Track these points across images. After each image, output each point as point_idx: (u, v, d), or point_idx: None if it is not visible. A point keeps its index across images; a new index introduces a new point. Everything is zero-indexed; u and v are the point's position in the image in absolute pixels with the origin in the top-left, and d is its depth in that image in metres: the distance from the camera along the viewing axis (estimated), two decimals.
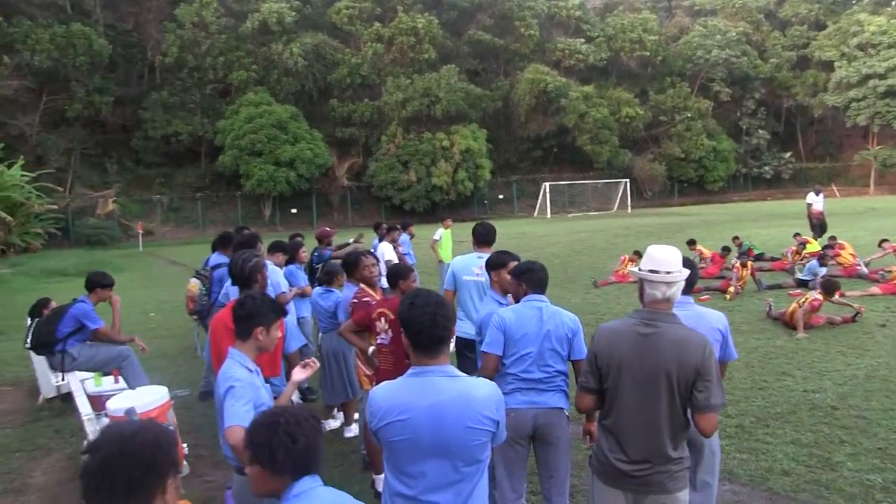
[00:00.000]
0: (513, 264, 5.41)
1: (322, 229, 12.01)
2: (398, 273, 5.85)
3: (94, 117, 42.52)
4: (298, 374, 4.00)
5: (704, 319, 4.32)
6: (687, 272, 3.49)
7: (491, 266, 5.41)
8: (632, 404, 3.31)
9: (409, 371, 3.00)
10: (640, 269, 3.45)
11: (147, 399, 5.50)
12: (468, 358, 6.66)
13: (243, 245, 6.94)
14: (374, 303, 5.84)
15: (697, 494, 4.37)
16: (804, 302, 10.83)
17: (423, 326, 2.91)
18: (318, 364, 4.09)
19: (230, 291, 6.29)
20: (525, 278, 4.60)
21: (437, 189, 45.19)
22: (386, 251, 11.82)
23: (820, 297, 10.82)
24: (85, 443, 5.99)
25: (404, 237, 13.78)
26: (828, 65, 57.62)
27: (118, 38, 43.51)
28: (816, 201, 22.38)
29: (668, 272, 3.38)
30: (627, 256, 16.48)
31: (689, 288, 4.30)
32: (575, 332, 4.50)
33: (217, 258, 8.69)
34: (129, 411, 5.03)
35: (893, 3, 61.73)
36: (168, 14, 45.20)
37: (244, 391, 3.57)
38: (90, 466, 2.01)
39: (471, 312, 6.58)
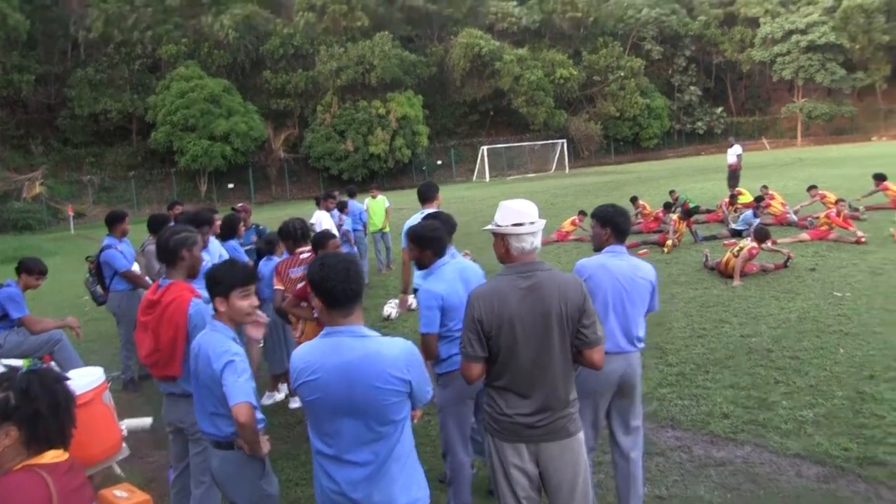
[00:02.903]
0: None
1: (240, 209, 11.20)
2: (317, 241, 6.01)
3: (14, 97, 41.05)
4: (253, 332, 4.00)
5: (641, 270, 4.40)
6: (543, 222, 3.50)
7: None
8: (528, 357, 3.30)
9: (322, 332, 3.00)
10: (499, 226, 3.42)
11: (81, 381, 5.30)
12: None
13: (195, 221, 6.79)
14: None
15: (629, 438, 4.47)
16: (739, 251, 11.12)
17: (338, 282, 2.89)
18: (266, 317, 4.05)
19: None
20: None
21: (375, 157, 44.79)
22: (322, 220, 11.74)
23: (755, 245, 11.12)
24: None
25: (358, 206, 14.03)
26: (753, 21, 58.70)
27: (36, 12, 41.67)
28: (729, 153, 22.93)
29: (532, 223, 3.40)
30: (575, 217, 16.63)
31: (623, 237, 4.43)
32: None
33: (108, 241, 8.30)
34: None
35: None
36: None
37: (244, 365, 3.56)
38: None
39: None
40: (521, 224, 3.37)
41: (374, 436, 2.89)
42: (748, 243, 11.25)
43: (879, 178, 16.59)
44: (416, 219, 6.67)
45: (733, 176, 22.36)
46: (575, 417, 3.44)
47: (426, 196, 6.93)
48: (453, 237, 5.09)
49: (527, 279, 3.33)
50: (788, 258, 11.56)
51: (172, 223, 8.12)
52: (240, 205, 10.72)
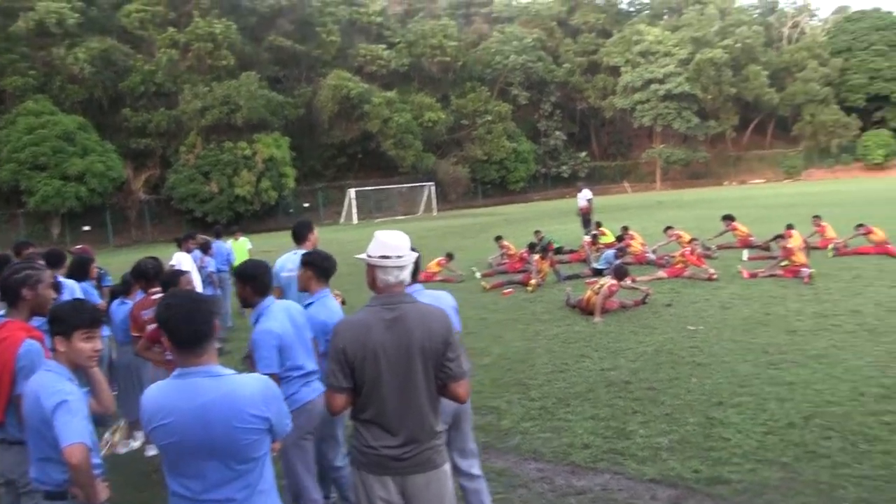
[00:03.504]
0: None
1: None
2: (167, 281, 6.02)
3: None
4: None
5: (443, 300, 4.54)
6: (416, 255, 3.53)
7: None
8: (392, 389, 3.28)
9: (174, 373, 2.86)
10: (369, 256, 3.43)
11: None
12: None
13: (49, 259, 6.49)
14: None
15: (467, 461, 4.61)
16: (600, 288, 11.42)
17: (181, 322, 2.77)
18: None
19: None
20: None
21: (241, 199, 43.63)
22: (183, 261, 11.32)
23: (615, 282, 11.45)
24: None
25: (225, 246, 13.90)
26: (615, 70, 61.95)
27: None
28: (579, 198, 24.29)
29: (399, 256, 3.40)
30: (441, 259, 16.66)
31: (415, 275, 4.43)
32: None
33: None
34: None
35: (665, 17, 68.85)
36: None
37: (79, 406, 3.31)
38: None
39: None
40: (387, 257, 3.36)
41: (234, 474, 2.82)
42: (608, 281, 11.58)
43: (728, 219, 17.75)
44: (289, 258, 6.49)
45: (585, 219, 23.36)
46: (441, 449, 3.43)
47: (300, 235, 6.72)
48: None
49: (391, 311, 3.32)
50: (647, 295, 12.01)
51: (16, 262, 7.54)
52: (78, 247, 10.02)
